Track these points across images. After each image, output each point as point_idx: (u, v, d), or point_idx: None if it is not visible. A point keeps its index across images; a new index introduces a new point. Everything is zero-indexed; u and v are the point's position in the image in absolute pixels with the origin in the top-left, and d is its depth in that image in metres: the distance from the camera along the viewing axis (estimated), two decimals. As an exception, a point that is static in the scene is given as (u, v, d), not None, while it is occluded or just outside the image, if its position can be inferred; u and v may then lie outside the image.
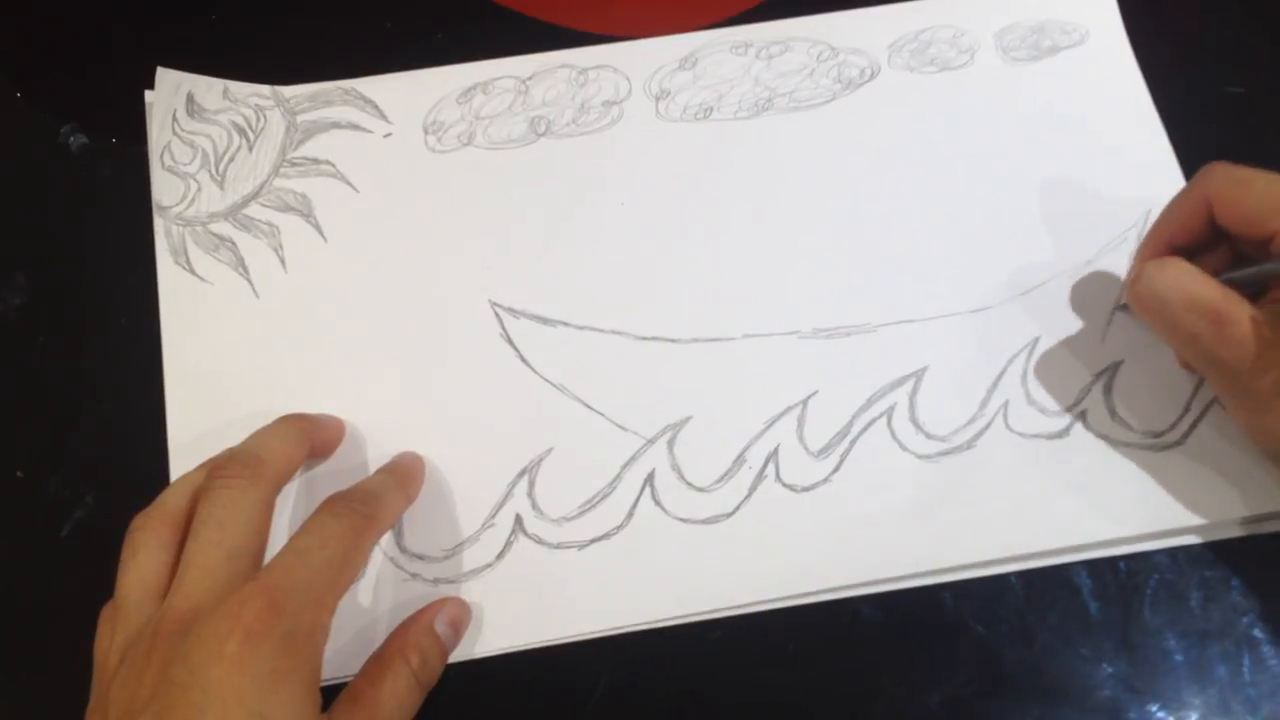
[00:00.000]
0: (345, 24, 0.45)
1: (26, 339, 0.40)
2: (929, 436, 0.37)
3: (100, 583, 0.31)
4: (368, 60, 0.43)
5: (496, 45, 0.43)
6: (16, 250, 0.41)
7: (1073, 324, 0.38)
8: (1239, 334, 0.31)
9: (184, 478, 0.33)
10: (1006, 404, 0.37)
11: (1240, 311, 0.31)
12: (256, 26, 0.45)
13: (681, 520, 0.36)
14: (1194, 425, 0.36)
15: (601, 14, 0.44)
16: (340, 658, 0.34)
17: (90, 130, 0.43)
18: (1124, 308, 0.37)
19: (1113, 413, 0.37)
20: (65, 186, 0.42)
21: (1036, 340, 0.38)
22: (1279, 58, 0.43)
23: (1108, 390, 0.37)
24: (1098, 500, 0.35)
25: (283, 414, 0.35)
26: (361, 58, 0.43)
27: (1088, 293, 0.38)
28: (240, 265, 0.40)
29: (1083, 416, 0.37)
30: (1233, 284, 0.32)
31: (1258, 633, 0.34)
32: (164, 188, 0.41)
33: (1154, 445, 0.36)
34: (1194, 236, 0.34)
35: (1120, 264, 0.38)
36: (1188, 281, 0.32)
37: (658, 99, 0.42)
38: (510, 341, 0.38)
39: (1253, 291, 0.33)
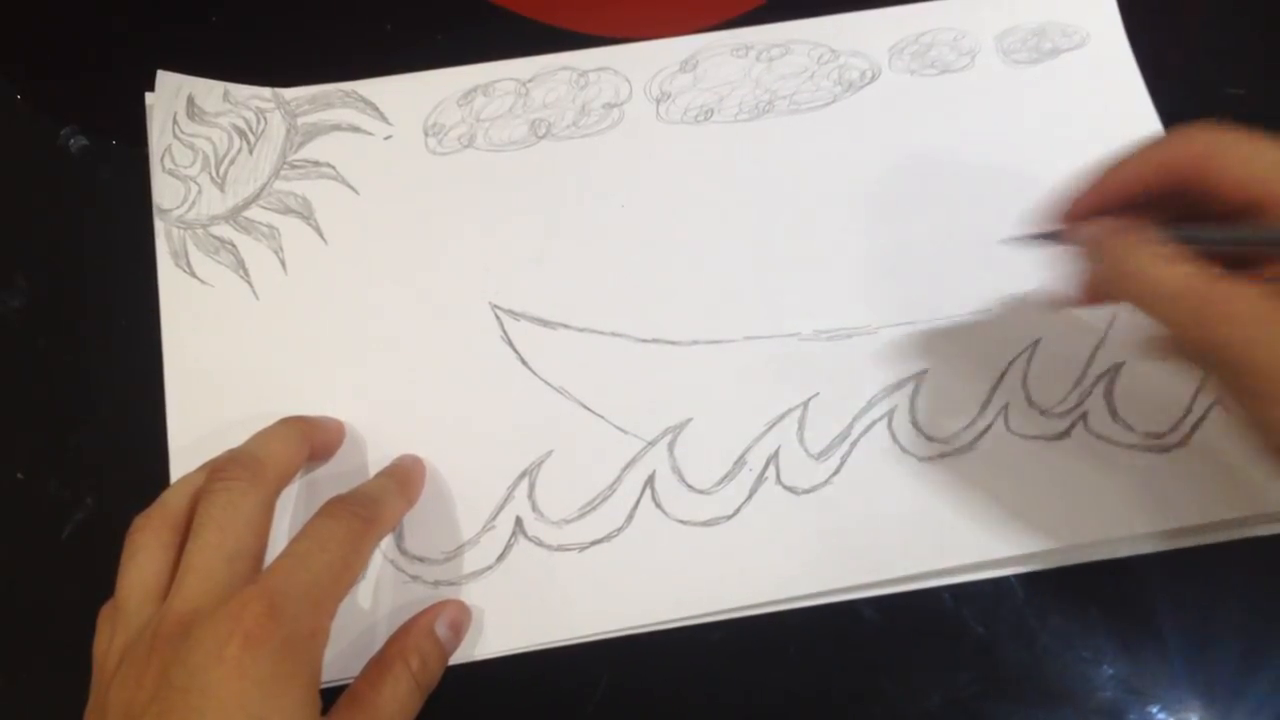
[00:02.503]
0: (345, 26, 0.45)
1: (27, 340, 0.40)
2: (929, 439, 0.37)
3: (100, 584, 0.31)
4: (368, 62, 0.43)
5: (497, 47, 0.43)
6: (16, 252, 0.41)
7: (1073, 326, 0.38)
8: (1239, 312, 0.26)
9: (184, 479, 0.33)
10: (1007, 406, 0.37)
11: (1233, 290, 0.26)
12: (256, 28, 0.45)
13: (682, 522, 0.36)
14: (1195, 427, 0.36)
15: (602, 16, 0.44)
16: (341, 660, 0.34)
17: (90, 132, 0.43)
18: (1038, 236, 0.33)
19: (1114, 414, 0.36)
20: (65, 188, 0.42)
21: (1037, 342, 0.38)
22: (1279, 58, 0.43)
23: (1109, 392, 0.37)
24: (1099, 502, 0.35)
25: (283, 416, 0.35)
26: (362, 60, 0.43)
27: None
28: (241, 268, 0.40)
29: (1084, 418, 0.37)
30: (1194, 243, 0.28)
31: (1258, 634, 0.34)
32: (164, 190, 0.41)
33: (1155, 447, 0.36)
34: (1141, 195, 0.30)
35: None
36: (1168, 265, 0.27)
37: (658, 101, 0.42)
38: (511, 344, 0.38)
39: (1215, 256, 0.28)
